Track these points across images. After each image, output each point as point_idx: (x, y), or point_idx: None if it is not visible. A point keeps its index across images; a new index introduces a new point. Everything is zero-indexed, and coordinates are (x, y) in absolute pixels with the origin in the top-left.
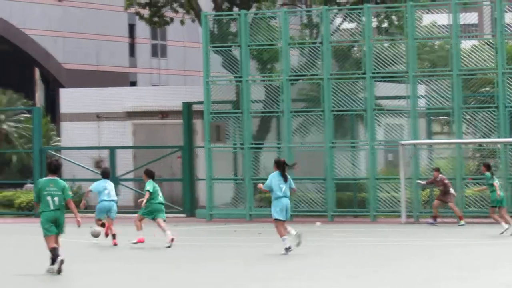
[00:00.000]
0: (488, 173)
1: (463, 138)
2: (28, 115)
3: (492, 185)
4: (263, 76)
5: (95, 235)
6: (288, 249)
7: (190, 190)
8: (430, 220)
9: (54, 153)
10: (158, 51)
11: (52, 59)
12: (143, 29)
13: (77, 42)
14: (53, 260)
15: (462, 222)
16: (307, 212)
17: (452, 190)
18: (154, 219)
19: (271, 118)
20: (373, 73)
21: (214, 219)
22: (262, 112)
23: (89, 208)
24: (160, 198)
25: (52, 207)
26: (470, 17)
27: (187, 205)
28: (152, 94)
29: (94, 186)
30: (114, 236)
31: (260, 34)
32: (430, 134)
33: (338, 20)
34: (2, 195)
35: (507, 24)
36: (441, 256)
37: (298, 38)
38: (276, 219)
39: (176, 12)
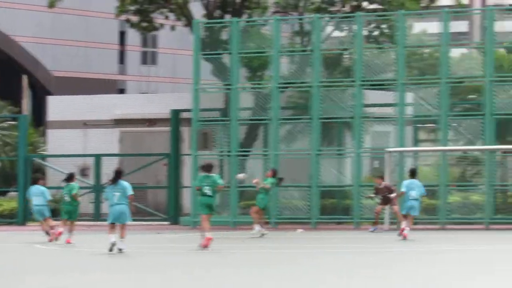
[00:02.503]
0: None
1: (449, 146)
2: (14, 123)
3: None
4: (253, 84)
5: None
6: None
7: (175, 198)
8: (371, 228)
9: (40, 161)
10: (148, 59)
11: (40, 67)
12: (133, 37)
13: (67, 49)
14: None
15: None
16: (290, 219)
17: (394, 195)
18: None
19: (259, 125)
20: (362, 81)
21: (198, 227)
22: (250, 120)
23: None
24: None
25: None
26: (460, 26)
27: (172, 212)
28: (140, 102)
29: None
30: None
31: (251, 41)
32: (416, 142)
33: (329, 28)
34: None
35: (496, 32)
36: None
37: (289, 46)
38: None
39: (167, 18)
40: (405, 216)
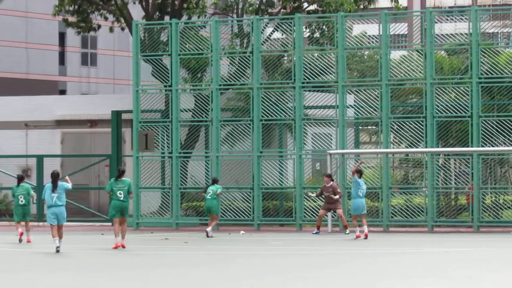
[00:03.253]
0: None
1: (390, 148)
2: None
3: None
4: (193, 85)
5: None
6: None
7: None
8: (315, 230)
9: None
10: (88, 60)
11: None
12: (73, 38)
13: (7, 50)
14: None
15: (348, 231)
16: (233, 221)
17: (337, 197)
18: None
19: (200, 127)
20: (302, 82)
21: (140, 228)
22: (191, 121)
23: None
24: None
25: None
26: (400, 28)
27: None
28: (81, 103)
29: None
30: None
31: (190, 43)
32: (358, 144)
33: (269, 30)
34: None
35: (436, 34)
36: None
37: (229, 47)
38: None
39: (106, 19)
40: (358, 217)
